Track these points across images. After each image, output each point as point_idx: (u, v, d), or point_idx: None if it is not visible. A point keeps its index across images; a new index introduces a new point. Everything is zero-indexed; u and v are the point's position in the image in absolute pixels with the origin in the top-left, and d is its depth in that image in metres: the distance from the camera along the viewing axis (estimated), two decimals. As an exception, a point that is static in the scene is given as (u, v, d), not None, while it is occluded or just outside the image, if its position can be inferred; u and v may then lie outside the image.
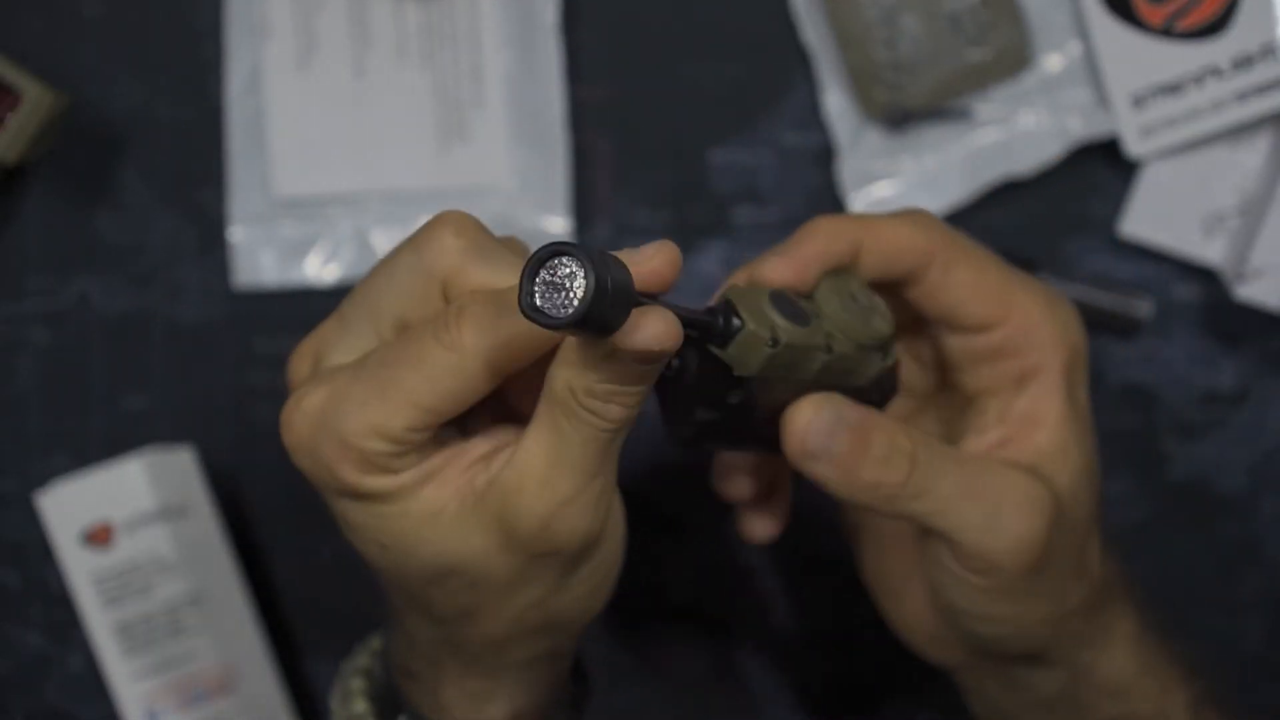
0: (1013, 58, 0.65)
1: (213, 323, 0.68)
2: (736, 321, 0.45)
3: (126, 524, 0.64)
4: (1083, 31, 0.65)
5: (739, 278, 0.50)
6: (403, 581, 0.47)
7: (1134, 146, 0.65)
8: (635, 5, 0.67)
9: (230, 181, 0.67)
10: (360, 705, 0.52)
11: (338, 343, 0.46)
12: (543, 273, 0.39)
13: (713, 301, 0.46)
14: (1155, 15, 0.64)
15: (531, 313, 0.39)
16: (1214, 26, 0.63)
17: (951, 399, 0.53)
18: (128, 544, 0.64)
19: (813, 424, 0.47)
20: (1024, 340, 0.50)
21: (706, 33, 0.67)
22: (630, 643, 0.69)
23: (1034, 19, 0.65)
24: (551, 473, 0.44)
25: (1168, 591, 0.67)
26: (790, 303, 0.47)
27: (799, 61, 0.67)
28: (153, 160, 0.67)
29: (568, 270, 0.39)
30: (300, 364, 0.47)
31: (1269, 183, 0.64)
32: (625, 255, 0.41)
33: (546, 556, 0.45)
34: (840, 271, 0.50)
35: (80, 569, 0.64)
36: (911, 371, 0.54)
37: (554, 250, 0.39)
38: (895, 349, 0.51)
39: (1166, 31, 0.64)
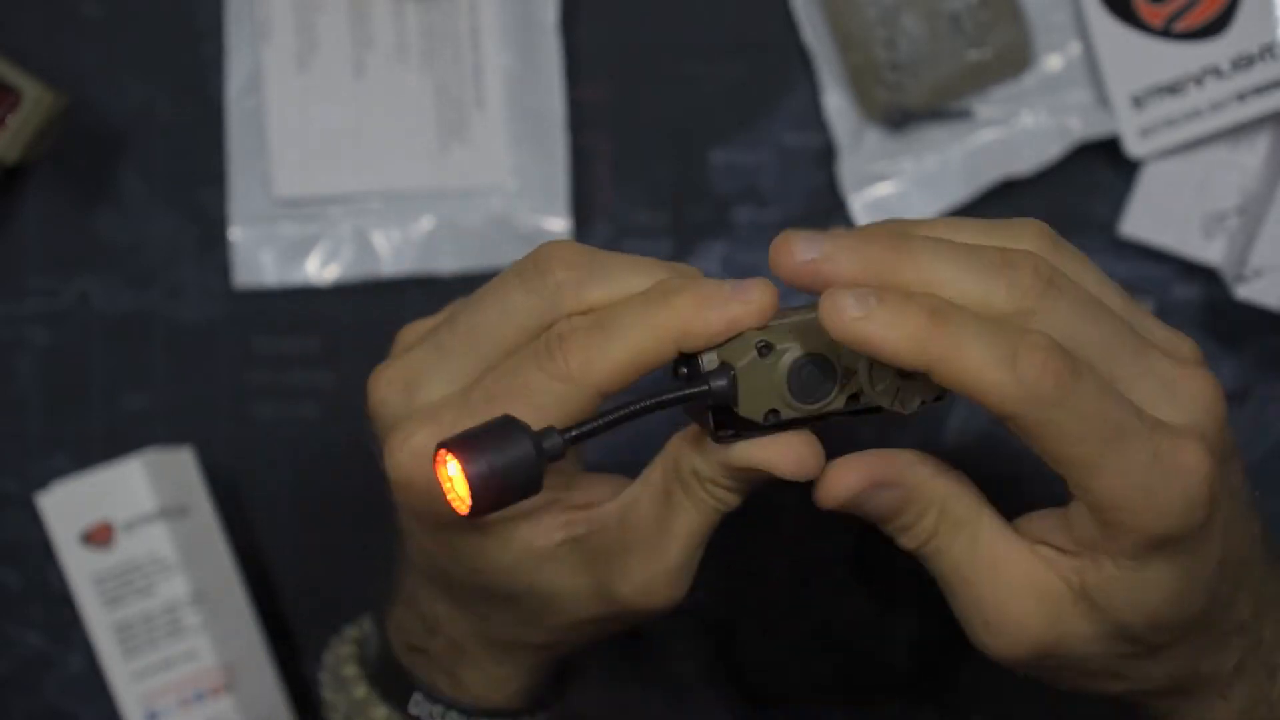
0: (1013, 58, 0.65)
1: (213, 323, 0.68)
2: (729, 391, 0.43)
3: (126, 524, 0.64)
4: (1083, 31, 0.65)
5: (823, 263, 0.43)
6: (474, 596, 0.48)
7: (1134, 146, 0.65)
8: (635, 5, 0.67)
9: (230, 181, 0.67)
10: (361, 690, 0.53)
11: (435, 372, 0.46)
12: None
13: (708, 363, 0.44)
14: (1155, 15, 0.64)
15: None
16: (1214, 26, 0.63)
17: None
18: (128, 544, 0.64)
19: (848, 495, 0.45)
20: (1099, 512, 0.43)
21: (706, 33, 0.67)
22: (630, 643, 0.69)
23: (1034, 19, 0.65)
24: (662, 540, 0.45)
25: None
26: (818, 368, 0.44)
27: (799, 61, 0.67)
28: (153, 160, 0.67)
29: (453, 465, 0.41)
30: (390, 391, 0.47)
31: (1269, 183, 0.64)
32: (727, 290, 0.42)
33: (630, 612, 0.46)
34: None
35: (80, 569, 0.64)
36: None
37: (441, 445, 0.41)
38: (939, 395, 0.45)
39: (1166, 31, 0.64)
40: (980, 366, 0.41)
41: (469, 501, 0.40)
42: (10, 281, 0.68)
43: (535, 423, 0.42)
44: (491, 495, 0.40)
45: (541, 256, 0.45)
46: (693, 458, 0.44)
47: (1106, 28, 0.64)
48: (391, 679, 0.52)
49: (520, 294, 0.45)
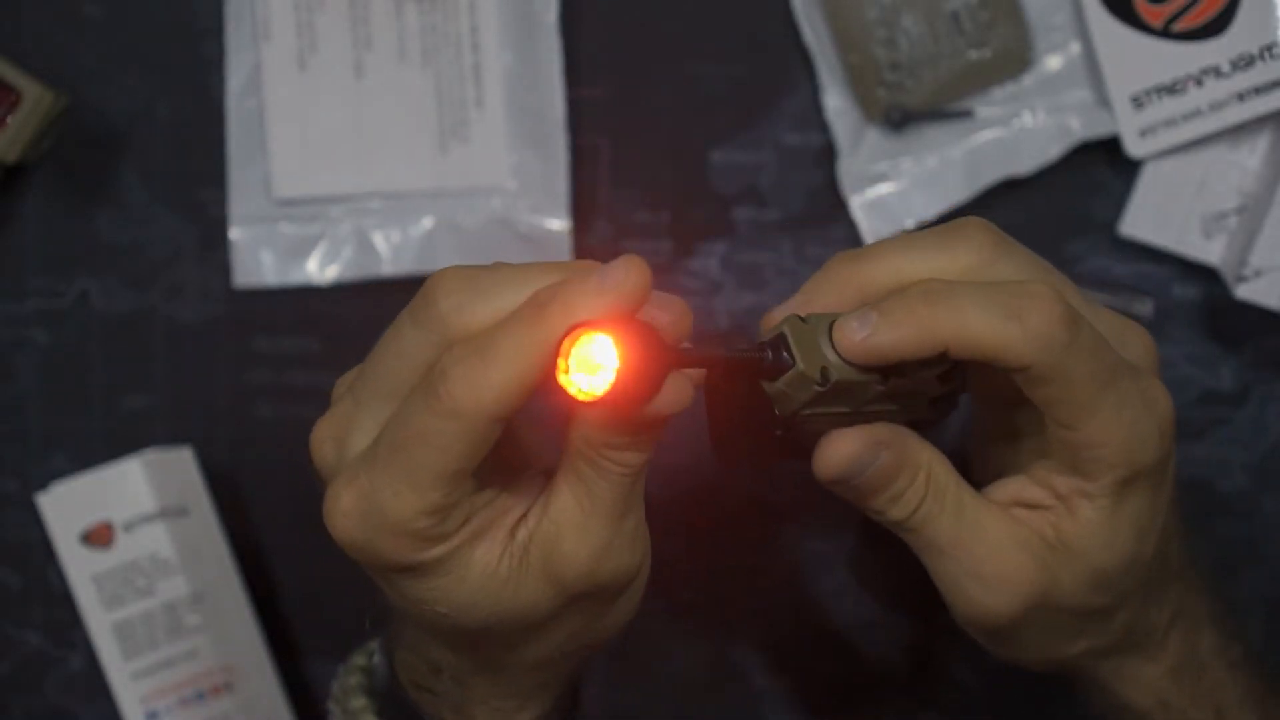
0: (1013, 58, 0.65)
1: (213, 323, 0.68)
2: (787, 358, 0.45)
3: (126, 524, 0.64)
4: (1083, 31, 0.65)
5: (801, 308, 0.48)
6: (454, 634, 0.48)
7: (1134, 147, 0.65)
8: (635, 5, 0.67)
9: (230, 181, 0.67)
10: (358, 701, 0.53)
11: (357, 425, 0.46)
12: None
13: (765, 335, 0.46)
14: (1155, 15, 0.64)
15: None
16: (1214, 26, 0.63)
17: (1022, 420, 0.51)
18: (128, 544, 0.64)
19: (848, 461, 0.47)
20: (1086, 450, 0.46)
21: (706, 33, 0.67)
22: (630, 643, 0.69)
23: (1034, 19, 0.65)
24: (587, 520, 0.45)
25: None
26: None
27: (799, 61, 0.67)
28: (153, 160, 0.67)
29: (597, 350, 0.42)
30: (322, 449, 0.47)
31: (1269, 183, 0.64)
32: (593, 286, 0.42)
33: (593, 595, 0.46)
34: None
35: (80, 569, 0.64)
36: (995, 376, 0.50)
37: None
38: (959, 377, 0.48)
39: (1166, 32, 0.64)
40: (988, 328, 0.44)
41: (612, 379, 0.41)
42: (10, 281, 0.68)
43: (446, 465, 0.43)
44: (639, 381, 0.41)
45: (427, 288, 0.45)
46: (580, 429, 0.44)
47: (1106, 28, 0.64)
48: (401, 714, 0.52)
49: (411, 330, 0.45)
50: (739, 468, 0.49)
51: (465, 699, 0.50)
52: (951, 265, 0.47)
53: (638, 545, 0.46)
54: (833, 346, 0.45)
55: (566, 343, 0.41)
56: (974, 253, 0.47)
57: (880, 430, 0.47)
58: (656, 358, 0.41)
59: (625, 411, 0.42)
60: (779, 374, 0.45)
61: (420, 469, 0.43)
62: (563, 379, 0.41)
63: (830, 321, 0.45)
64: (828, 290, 0.48)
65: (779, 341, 0.45)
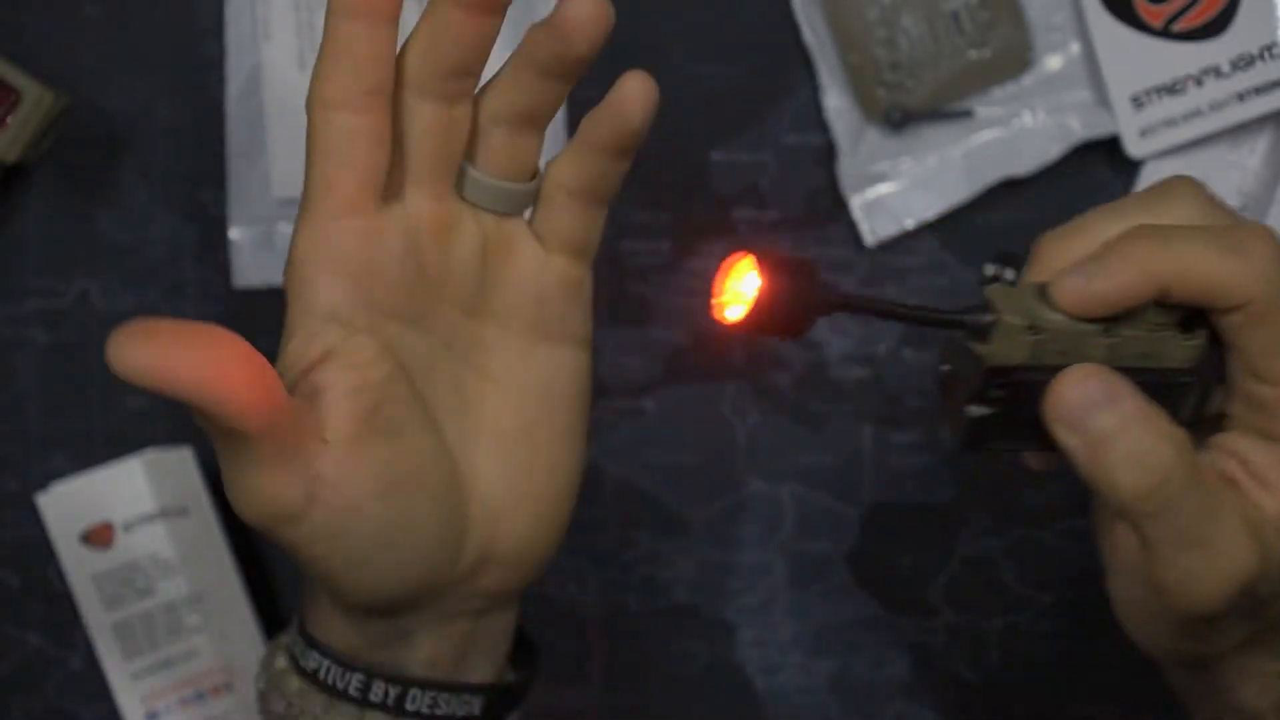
0: (1013, 58, 0.65)
1: (213, 322, 0.67)
2: (990, 315, 0.44)
3: (126, 524, 0.64)
4: (1083, 31, 0.65)
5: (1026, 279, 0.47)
6: None
7: (1134, 147, 0.65)
8: (635, 5, 0.67)
9: (230, 181, 0.67)
10: (281, 661, 0.52)
11: None
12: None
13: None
14: (1155, 15, 0.64)
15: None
16: (1214, 26, 0.63)
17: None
18: (128, 544, 0.64)
19: (1081, 390, 0.43)
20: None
21: (706, 33, 0.67)
22: (630, 643, 0.69)
23: (1034, 19, 0.65)
24: None
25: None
26: None
27: (799, 61, 0.67)
28: (153, 160, 0.67)
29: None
30: None
31: (1269, 183, 0.64)
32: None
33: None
34: None
35: (80, 569, 0.64)
36: None
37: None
38: (1202, 331, 0.45)
39: (1166, 31, 0.64)
40: (1209, 261, 0.42)
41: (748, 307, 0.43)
42: (10, 281, 0.68)
43: (310, 178, 0.46)
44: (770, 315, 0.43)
45: None
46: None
47: (1106, 28, 0.64)
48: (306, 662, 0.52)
49: None
50: (975, 448, 0.47)
51: (310, 589, 0.50)
52: (1181, 215, 0.45)
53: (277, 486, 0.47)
54: (1046, 303, 0.44)
55: (721, 272, 0.44)
56: (1186, 212, 0.45)
57: (1120, 376, 0.43)
58: (799, 293, 0.43)
59: (764, 336, 0.44)
60: (986, 332, 0.44)
61: (304, 202, 0.46)
62: (715, 299, 0.44)
63: (1039, 285, 0.44)
64: (1041, 271, 0.46)
65: (982, 305, 0.44)
